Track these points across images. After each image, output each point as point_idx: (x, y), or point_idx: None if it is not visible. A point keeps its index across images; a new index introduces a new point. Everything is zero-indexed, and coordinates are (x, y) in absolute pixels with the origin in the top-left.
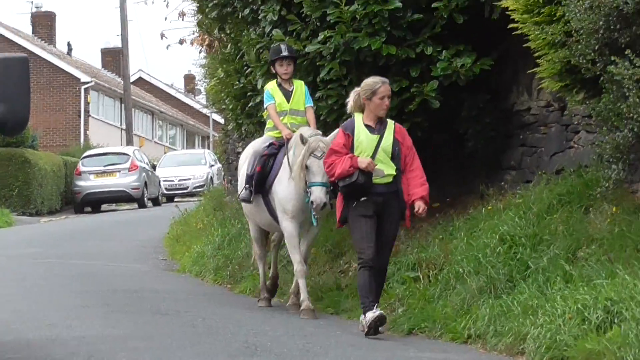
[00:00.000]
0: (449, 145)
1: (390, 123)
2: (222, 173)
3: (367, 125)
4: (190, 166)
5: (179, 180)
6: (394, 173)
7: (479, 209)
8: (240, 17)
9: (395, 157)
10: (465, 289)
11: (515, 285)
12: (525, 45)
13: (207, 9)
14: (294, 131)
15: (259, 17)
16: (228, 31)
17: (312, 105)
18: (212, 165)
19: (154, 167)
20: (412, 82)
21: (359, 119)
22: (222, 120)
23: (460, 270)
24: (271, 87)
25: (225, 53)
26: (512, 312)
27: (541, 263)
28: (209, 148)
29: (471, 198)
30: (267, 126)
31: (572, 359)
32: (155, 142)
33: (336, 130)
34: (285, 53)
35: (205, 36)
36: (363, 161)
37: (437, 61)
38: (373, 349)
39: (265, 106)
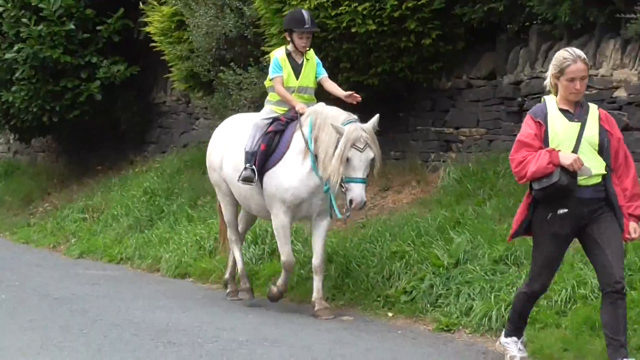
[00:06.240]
0: (108, 126)
1: (593, 108)
2: None
3: (563, 110)
4: None
5: None
6: (604, 172)
7: (130, 171)
8: None
9: (603, 150)
10: (119, 226)
11: (154, 224)
12: (162, 57)
13: None
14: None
15: None
16: None
17: (326, 75)
18: None
19: None
20: (82, 82)
21: (551, 103)
22: None
23: (115, 213)
24: (281, 56)
25: None
26: (152, 242)
27: (172, 208)
28: None
29: (124, 163)
30: (268, 98)
31: (193, 274)
32: None
33: (376, 117)
34: (308, 26)
35: None
36: (567, 157)
37: (100, 67)
38: (52, 269)
39: (270, 77)
